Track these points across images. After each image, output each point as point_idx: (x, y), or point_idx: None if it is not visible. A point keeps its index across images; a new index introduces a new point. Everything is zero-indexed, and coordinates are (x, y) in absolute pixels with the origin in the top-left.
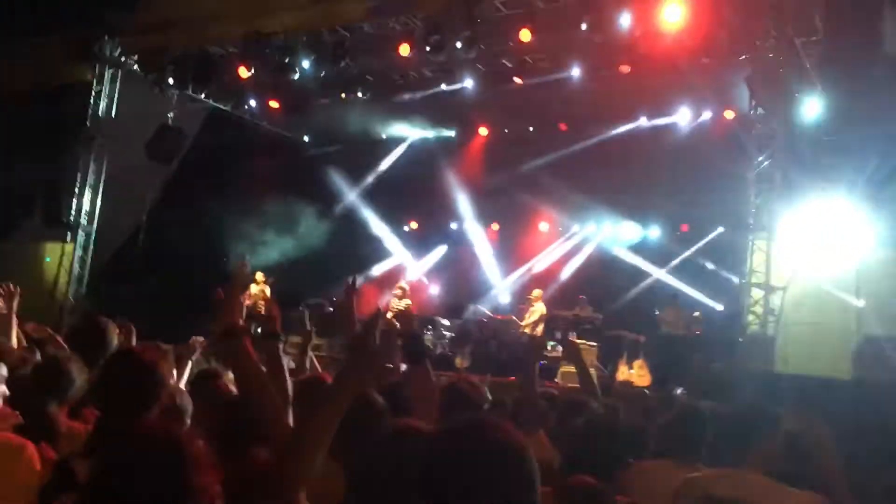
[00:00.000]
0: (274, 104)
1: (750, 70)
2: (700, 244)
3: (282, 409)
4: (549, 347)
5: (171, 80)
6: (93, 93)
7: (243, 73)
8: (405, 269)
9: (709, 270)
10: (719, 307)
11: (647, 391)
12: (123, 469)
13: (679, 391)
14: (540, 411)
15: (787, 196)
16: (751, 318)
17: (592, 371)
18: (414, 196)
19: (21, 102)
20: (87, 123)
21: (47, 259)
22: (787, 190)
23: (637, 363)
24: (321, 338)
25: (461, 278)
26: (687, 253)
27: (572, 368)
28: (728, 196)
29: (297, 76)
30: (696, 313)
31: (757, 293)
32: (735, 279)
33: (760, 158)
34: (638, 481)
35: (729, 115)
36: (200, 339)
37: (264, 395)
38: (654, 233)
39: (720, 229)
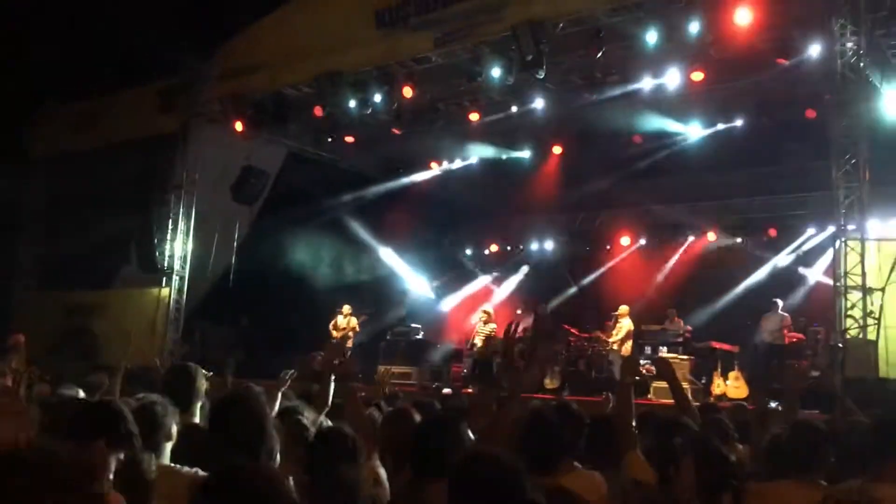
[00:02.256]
0: (349, 139)
1: (829, 66)
2: (790, 249)
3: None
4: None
5: (250, 124)
6: (178, 141)
7: (318, 112)
8: (490, 292)
9: (799, 274)
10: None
11: (745, 404)
12: None
13: (774, 405)
14: (633, 431)
15: (877, 194)
16: (849, 322)
17: (686, 386)
18: (492, 219)
19: (114, 155)
20: (175, 171)
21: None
22: (875, 187)
23: (732, 374)
24: (411, 366)
25: (545, 299)
26: (776, 258)
27: (665, 384)
28: (815, 198)
29: (370, 111)
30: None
31: (854, 296)
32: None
33: (848, 156)
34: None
35: (810, 114)
36: (291, 371)
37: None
38: (740, 239)
39: (810, 231)
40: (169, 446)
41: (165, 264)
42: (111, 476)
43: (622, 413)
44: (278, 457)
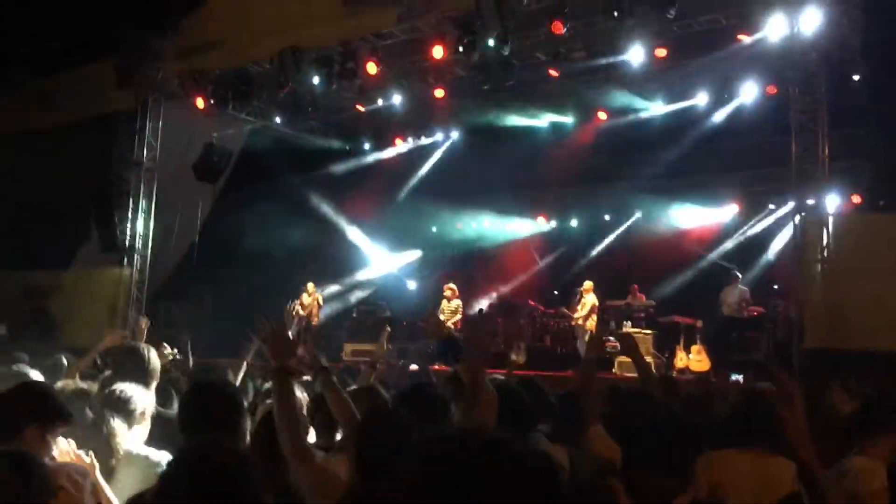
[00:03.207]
0: (313, 115)
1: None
2: (752, 222)
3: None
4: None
5: (212, 101)
6: (138, 118)
7: (282, 88)
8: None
9: (761, 248)
10: (776, 286)
11: (708, 376)
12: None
13: (735, 377)
14: (596, 405)
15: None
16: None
17: (649, 359)
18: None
19: (72, 132)
20: (135, 149)
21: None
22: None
23: (695, 348)
24: (374, 342)
25: (510, 274)
26: (740, 232)
27: (629, 359)
28: (778, 172)
29: (333, 87)
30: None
31: (814, 269)
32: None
33: (806, 132)
34: (710, 473)
35: (771, 90)
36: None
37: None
38: (702, 213)
39: (770, 207)
40: (138, 429)
41: (126, 243)
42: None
43: (586, 387)
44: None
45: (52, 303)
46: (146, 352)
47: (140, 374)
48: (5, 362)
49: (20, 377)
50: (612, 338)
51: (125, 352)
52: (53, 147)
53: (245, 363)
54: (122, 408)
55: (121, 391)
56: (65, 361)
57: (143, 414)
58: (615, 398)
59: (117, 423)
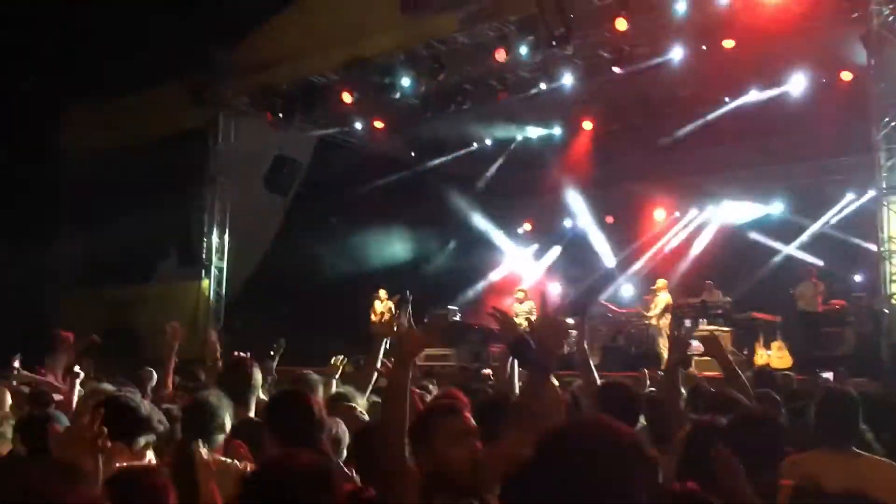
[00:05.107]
0: (379, 124)
1: (865, 27)
2: (830, 214)
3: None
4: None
5: (280, 114)
6: (209, 135)
7: (347, 98)
8: (524, 271)
9: (843, 241)
10: (858, 278)
11: (791, 374)
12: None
13: (826, 375)
14: (682, 411)
15: None
16: (894, 287)
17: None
18: (525, 197)
19: (147, 152)
20: (208, 165)
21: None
22: None
23: (775, 344)
24: (449, 347)
25: (582, 275)
26: (816, 225)
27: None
28: (855, 161)
29: (398, 95)
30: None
31: None
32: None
33: (887, 119)
34: (792, 475)
35: (846, 76)
36: (342, 357)
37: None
38: (778, 207)
39: (849, 196)
40: (221, 438)
41: (204, 257)
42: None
43: (671, 393)
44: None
45: (135, 317)
46: (249, 367)
47: (243, 388)
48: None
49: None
50: (692, 341)
51: (230, 366)
52: (129, 165)
53: (336, 377)
54: (208, 420)
55: (201, 402)
56: (154, 374)
57: (221, 426)
58: (698, 400)
59: (199, 434)
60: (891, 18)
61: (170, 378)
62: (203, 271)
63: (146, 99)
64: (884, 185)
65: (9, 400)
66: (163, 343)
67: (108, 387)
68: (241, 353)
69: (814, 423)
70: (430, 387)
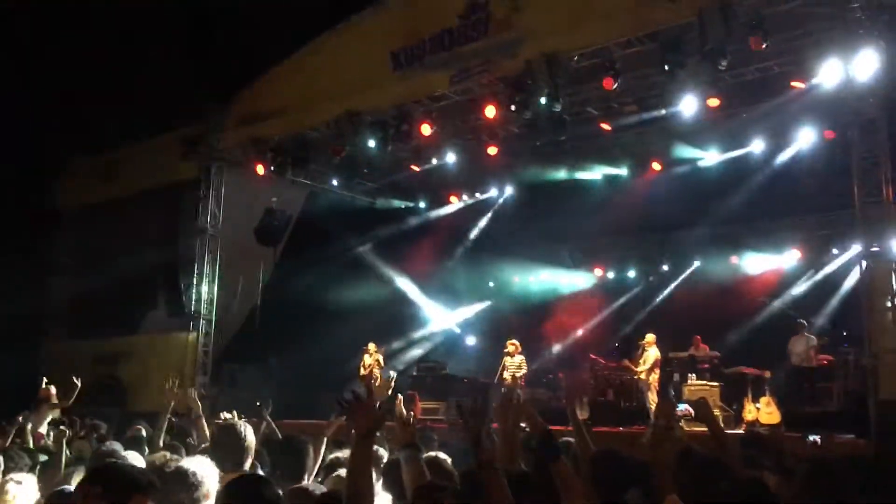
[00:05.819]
0: (369, 177)
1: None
2: (816, 269)
3: None
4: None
5: (271, 167)
6: (201, 186)
7: (338, 152)
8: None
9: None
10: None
11: (780, 430)
12: None
13: (813, 438)
14: (670, 475)
15: None
16: (881, 343)
17: (717, 413)
18: (515, 250)
19: (138, 203)
20: (199, 216)
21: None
22: None
23: (764, 400)
24: (437, 401)
25: (570, 328)
26: (805, 279)
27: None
28: (838, 217)
29: (389, 149)
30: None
31: (885, 316)
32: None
33: (869, 176)
34: None
35: (829, 135)
36: (334, 420)
37: None
38: (763, 260)
39: (834, 252)
40: None
41: (192, 308)
42: None
43: (658, 458)
44: None
45: (122, 369)
46: (242, 429)
47: (236, 450)
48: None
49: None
50: (681, 406)
51: (222, 429)
52: (120, 218)
53: (325, 437)
54: (189, 487)
55: (187, 470)
56: (144, 433)
57: (206, 496)
58: (688, 466)
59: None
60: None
61: (161, 434)
62: (191, 323)
63: (140, 151)
64: (867, 242)
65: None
66: (158, 399)
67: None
68: (227, 415)
69: (800, 493)
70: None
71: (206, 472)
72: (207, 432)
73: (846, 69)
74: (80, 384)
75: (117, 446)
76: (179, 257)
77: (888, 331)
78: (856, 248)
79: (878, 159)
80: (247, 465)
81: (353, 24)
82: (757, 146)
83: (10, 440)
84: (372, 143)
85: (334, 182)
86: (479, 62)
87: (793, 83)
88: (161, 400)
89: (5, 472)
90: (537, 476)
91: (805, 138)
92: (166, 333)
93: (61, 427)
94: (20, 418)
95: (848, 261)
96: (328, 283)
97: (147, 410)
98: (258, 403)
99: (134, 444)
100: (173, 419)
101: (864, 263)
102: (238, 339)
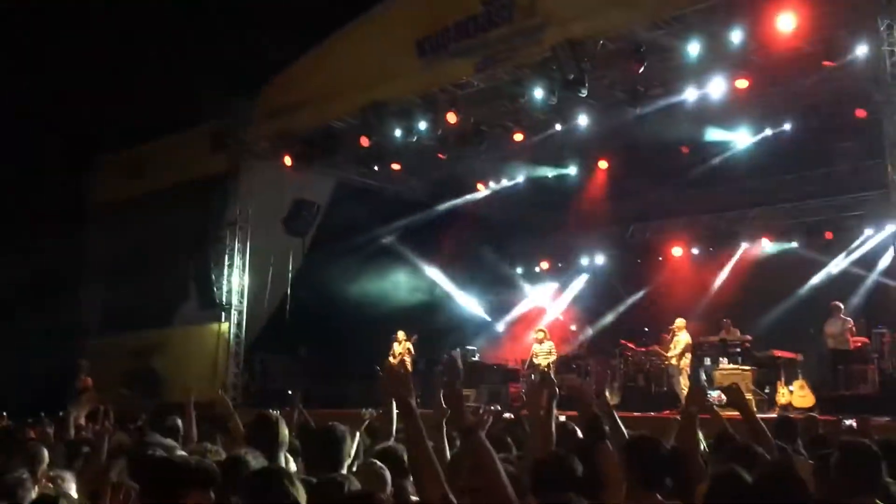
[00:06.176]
0: (396, 167)
1: (875, 67)
2: (848, 250)
3: None
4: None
5: (299, 159)
6: (230, 180)
7: (364, 142)
8: (543, 310)
9: (860, 276)
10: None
11: (815, 415)
12: None
13: (849, 422)
14: (701, 462)
15: None
16: None
17: (750, 397)
18: (542, 236)
19: (169, 198)
20: (229, 209)
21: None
22: None
23: (797, 383)
24: (467, 388)
25: (602, 310)
26: (835, 261)
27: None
28: (871, 198)
29: (415, 138)
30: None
31: None
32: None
33: None
34: None
35: (860, 114)
36: (370, 410)
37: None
38: (795, 243)
39: (868, 232)
40: None
41: (224, 300)
42: None
43: (689, 445)
44: None
45: (157, 361)
46: (277, 423)
47: (270, 444)
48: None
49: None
50: (713, 392)
51: (257, 423)
52: (151, 213)
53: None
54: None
55: (246, 461)
56: (179, 423)
57: None
58: (723, 452)
59: None
60: None
61: (193, 429)
62: (223, 314)
63: (169, 146)
64: None
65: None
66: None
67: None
68: (269, 412)
69: (834, 477)
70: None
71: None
72: (241, 425)
73: (877, 47)
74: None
75: (159, 438)
76: (210, 250)
77: None
78: (890, 228)
79: None
80: (281, 457)
81: (376, 14)
82: (786, 127)
83: (53, 433)
84: (398, 133)
85: (362, 172)
86: (504, 48)
87: (824, 62)
88: (195, 390)
89: (50, 466)
90: (583, 460)
91: (836, 118)
92: (199, 325)
93: (103, 420)
94: (68, 412)
95: (882, 241)
96: (357, 272)
97: (180, 402)
98: (289, 392)
99: (170, 435)
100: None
101: None
102: (268, 330)
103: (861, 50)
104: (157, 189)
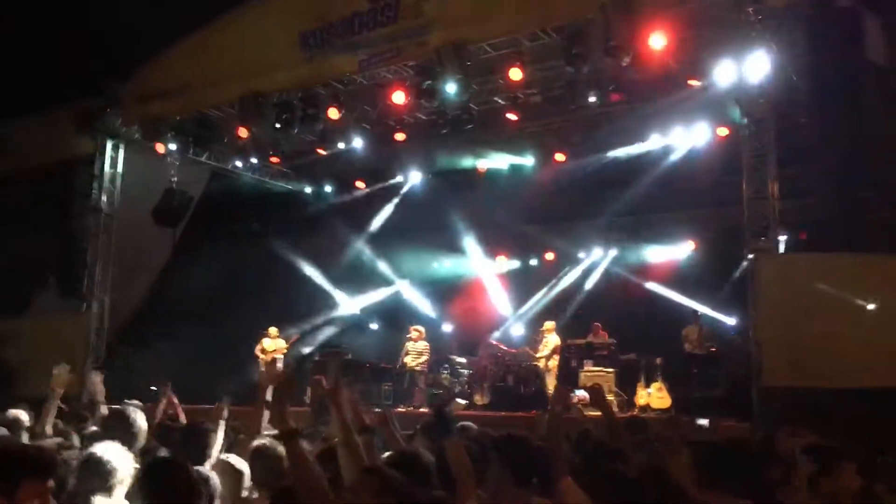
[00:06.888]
0: (274, 160)
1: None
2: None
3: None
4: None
5: (172, 146)
6: (97, 164)
7: (242, 133)
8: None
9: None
10: (732, 322)
11: (677, 416)
12: None
13: (702, 422)
14: (565, 458)
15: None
16: (762, 333)
17: (611, 398)
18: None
19: (31, 178)
20: (94, 194)
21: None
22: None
23: (655, 385)
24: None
25: (472, 314)
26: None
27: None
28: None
29: (295, 131)
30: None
31: (768, 308)
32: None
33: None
34: None
35: (722, 132)
36: (226, 398)
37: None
38: (660, 251)
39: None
40: (121, 490)
41: (85, 289)
42: None
43: (553, 441)
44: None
45: (9, 352)
46: (133, 415)
47: (127, 436)
48: None
49: None
50: (577, 392)
51: (112, 416)
52: (10, 193)
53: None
54: (104, 474)
55: (101, 457)
56: (25, 417)
57: (122, 481)
58: (584, 448)
59: (98, 489)
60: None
61: (49, 421)
62: (84, 304)
63: (31, 125)
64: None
65: None
66: (47, 385)
67: None
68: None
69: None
70: None
71: (120, 457)
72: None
73: (739, 70)
74: None
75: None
76: (72, 237)
77: (770, 321)
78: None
79: (766, 158)
80: (136, 448)
81: (260, 3)
82: (655, 141)
83: None
84: (278, 125)
85: (238, 164)
86: (388, 47)
87: (689, 82)
88: (48, 384)
89: None
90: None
91: (700, 135)
92: (58, 315)
93: None
94: None
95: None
96: (230, 266)
97: (37, 395)
98: (153, 388)
99: (13, 427)
100: (62, 406)
101: (749, 256)
102: (133, 323)
103: (724, 71)
104: (16, 170)
